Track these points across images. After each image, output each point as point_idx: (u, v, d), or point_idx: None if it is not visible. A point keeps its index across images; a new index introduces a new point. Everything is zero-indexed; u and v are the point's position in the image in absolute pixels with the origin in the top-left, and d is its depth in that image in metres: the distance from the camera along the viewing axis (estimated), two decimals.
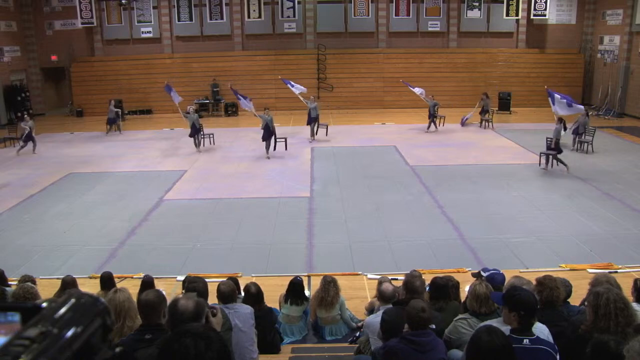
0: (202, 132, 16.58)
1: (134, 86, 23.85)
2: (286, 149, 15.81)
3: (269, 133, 15.13)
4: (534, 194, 11.70)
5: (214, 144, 17.19)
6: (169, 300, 3.18)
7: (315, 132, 17.62)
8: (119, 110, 20.16)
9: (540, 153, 13.79)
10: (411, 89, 19.45)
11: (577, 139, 15.50)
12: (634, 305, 3.70)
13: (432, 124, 18.73)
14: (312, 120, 17.36)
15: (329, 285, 6.11)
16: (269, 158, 15.14)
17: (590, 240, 9.07)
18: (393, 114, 19.02)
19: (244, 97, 16.78)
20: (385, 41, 24.49)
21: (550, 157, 13.52)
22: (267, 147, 15.29)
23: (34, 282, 5.73)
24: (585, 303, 3.46)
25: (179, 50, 24.40)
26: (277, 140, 15.54)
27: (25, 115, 17.43)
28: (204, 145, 16.75)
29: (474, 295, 4.01)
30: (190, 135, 16.15)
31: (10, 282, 6.45)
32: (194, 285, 4.07)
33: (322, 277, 6.39)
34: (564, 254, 8.47)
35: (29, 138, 16.33)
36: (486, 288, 4.03)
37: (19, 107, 22.48)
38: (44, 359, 1.03)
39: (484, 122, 19.21)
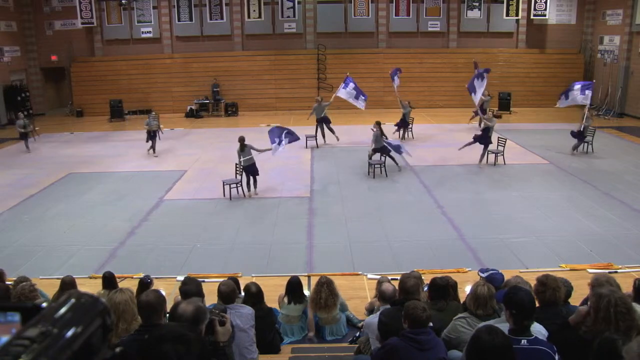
0: None
1: (134, 86, 23.83)
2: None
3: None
4: (534, 194, 11.70)
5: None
6: (168, 301, 3.18)
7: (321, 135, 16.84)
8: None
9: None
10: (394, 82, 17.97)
11: (579, 143, 15.13)
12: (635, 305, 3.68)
13: (401, 131, 17.39)
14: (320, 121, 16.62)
15: (322, 287, 6.07)
16: None
17: (590, 240, 9.08)
18: (393, 114, 18.98)
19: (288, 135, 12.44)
20: (385, 41, 24.49)
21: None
22: None
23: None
24: (588, 302, 3.44)
25: (179, 50, 24.39)
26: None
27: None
28: None
29: (473, 296, 3.99)
30: None
31: (8, 283, 6.44)
32: (186, 288, 4.03)
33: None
34: (564, 254, 8.48)
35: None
36: (488, 290, 4.00)
37: (19, 107, 22.45)
38: (44, 359, 1.02)
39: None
